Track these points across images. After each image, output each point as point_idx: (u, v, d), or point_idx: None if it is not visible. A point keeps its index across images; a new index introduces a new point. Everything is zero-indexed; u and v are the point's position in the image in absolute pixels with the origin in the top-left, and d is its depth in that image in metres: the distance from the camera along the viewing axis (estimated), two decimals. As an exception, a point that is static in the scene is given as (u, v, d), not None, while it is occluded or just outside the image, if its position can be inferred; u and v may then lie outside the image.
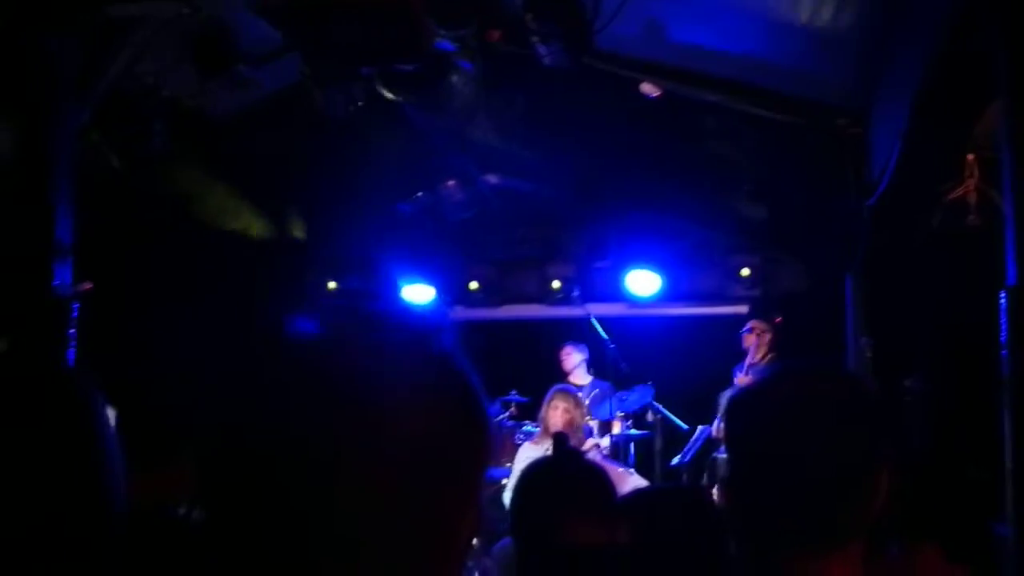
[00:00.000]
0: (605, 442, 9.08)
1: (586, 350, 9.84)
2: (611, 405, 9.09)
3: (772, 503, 1.73)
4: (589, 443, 8.60)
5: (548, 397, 8.35)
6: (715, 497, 8.28)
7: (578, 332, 9.98)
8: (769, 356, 9.35)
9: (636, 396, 9.21)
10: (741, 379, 9.25)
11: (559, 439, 2.94)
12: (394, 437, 0.93)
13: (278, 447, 0.93)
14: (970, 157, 6.31)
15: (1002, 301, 3.68)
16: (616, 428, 9.19)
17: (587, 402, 9.12)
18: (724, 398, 9.05)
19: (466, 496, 0.99)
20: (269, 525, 0.93)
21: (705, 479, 8.82)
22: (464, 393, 1.01)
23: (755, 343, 9.36)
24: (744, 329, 9.49)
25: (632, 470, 8.69)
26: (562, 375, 9.62)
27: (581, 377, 9.73)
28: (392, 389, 0.95)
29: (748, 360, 9.40)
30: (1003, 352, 3.68)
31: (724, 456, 8.62)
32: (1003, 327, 3.68)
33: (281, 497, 0.92)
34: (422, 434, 0.95)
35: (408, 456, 0.94)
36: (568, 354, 9.77)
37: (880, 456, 1.74)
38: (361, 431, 0.92)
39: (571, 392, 8.40)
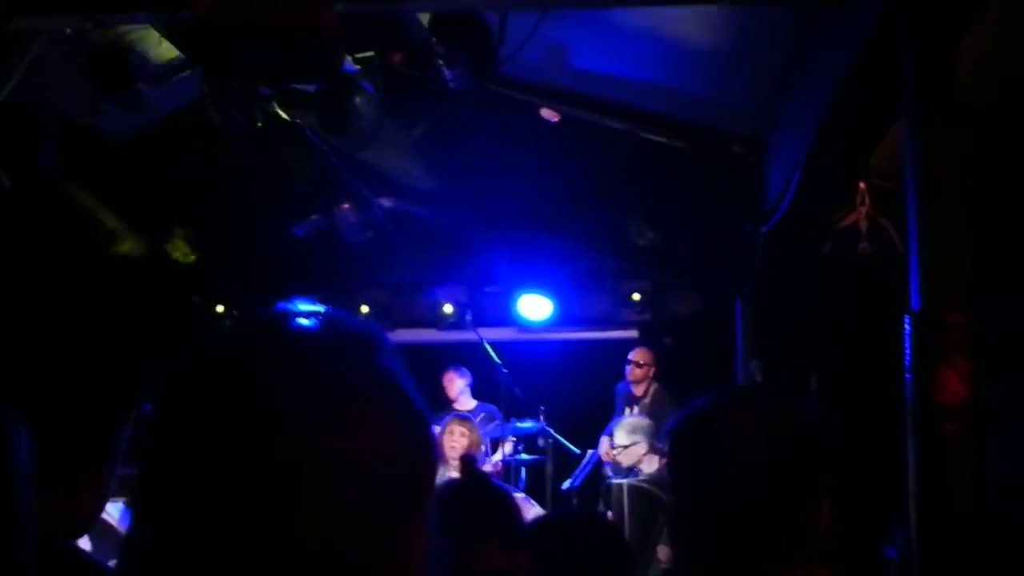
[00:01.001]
0: (496, 458, 9.08)
1: (468, 374, 9.83)
2: (502, 428, 9.10)
3: (717, 529, 1.73)
4: (487, 467, 8.58)
5: (444, 424, 8.31)
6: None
7: (468, 356, 9.97)
8: (653, 387, 9.48)
9: (530, 425, 9.23)
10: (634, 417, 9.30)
11: (467, 462, 2.91)
12: (353, 446, 0.91)
13: (232, 452, 0.89)
14: (861, 185, 6.47)
15: (906, 326, 3.75)
16: (507, 448, 9.19)
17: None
18: (616, 425, 9.13)
19: (420, 515, 0.97)
20: (225, 550, 0.89)
21: (601, 505, 8.85)
22: (412, 411, 0.98)
23: (639, 376, 9.49)
24: (627, 359, 9.58)
25: (523, 494, 8.71)
26: (446, 401, 9.59)
27: (466, 402, 9.71)
28: (344, 403, 0.92)
29: (636, 392, 9.50)
30: (907, 376, 3.75)
31: (617, 482, 8.69)
32: (907, 352, 3.75)
33: (240, 521, 0.88)
34: (378, 450, 0.93)
35: (367, 468, 0.91)
36: (451, 380, 9.74)
37: (824, 483, 1.76)
38: (321, 438, 0.90)
39: (467, 418, 8.38)
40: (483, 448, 8.81)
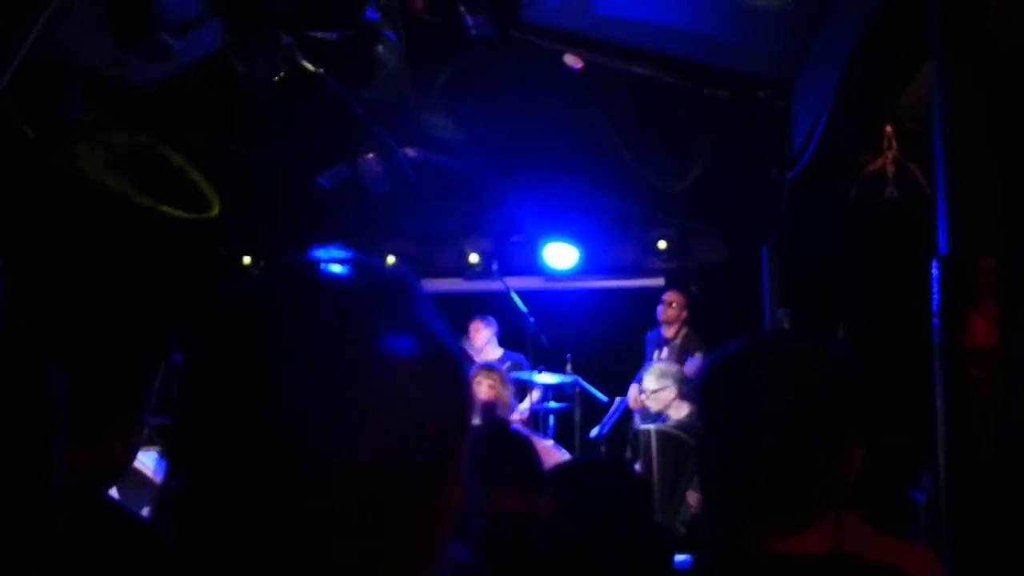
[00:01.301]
0: (524, 407, 9.11)
1: (495, 323, 9.84)
2: (529, 376, 9.12)
3: (750, 475, 1.71)
4: (515, 416, 8.61)
5: (472, 373, 8.32)
6: (637, 470, 8.42)
7: (496, 306, 9.98)
8: (684, 331, 9.48)
9: (558, 379, 9.23)
10: (664, 357, 9.32)
11: (487, 409, 2.91)
12: (390, 401, 0.91)
13: (268, 396, 0.89)
14: (888, 129, 6.40)
15: (934, 271, 3.72)
16: (535, 395, 9.21)
17: (502, 374, 9.13)
18: (645, 371, 9.14)
19: (455, 465, 0.97)
20: (261, 497, 0.88)
21: (629, 453, 8.87)
22: (447, 358, 0.99)
23: (671, 316, 9.49)
24: (661, 299, 9.60)
25: (551, 441, 8.74)
26: (473, 350, 9.60)
27: (492, 351, 9.73)
28: (381, 351, 0.92)
29: (665, 332, 9.51)
30: (935, 321, 3.72)
31: (645, 427, 8.71)
32: (935, 297, 3.72)
33: (276, 470, 0.88)
34: (415, 397, 0.92)
35: (406, 424, 0.91)
36: (477, 329, 9.76)
37: (855, 429, 1.74)
38: (357, 383, 0.90)
39: (495, 368, 8.37)
40: (510, 399, 8.83)
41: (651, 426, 8.64)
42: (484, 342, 9.73)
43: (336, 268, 0.98)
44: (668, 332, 9.55)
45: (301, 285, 0.96)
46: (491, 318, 9.83)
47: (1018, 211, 4.06)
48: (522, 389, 9.34)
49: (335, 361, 0.90)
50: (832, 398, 1.72)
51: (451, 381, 0.98)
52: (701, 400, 1.85)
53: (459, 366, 1.00)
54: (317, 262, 0.98)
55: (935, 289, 3.70)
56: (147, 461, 5.32)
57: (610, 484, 2.76)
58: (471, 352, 9.56)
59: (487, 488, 2.44)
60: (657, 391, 8.79)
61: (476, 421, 2.98)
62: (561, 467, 3.31)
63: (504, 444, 2.63)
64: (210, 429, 0.92)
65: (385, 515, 0.90)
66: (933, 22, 3.83)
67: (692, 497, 8.23)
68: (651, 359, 9.50)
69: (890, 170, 6.56)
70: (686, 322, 9.54)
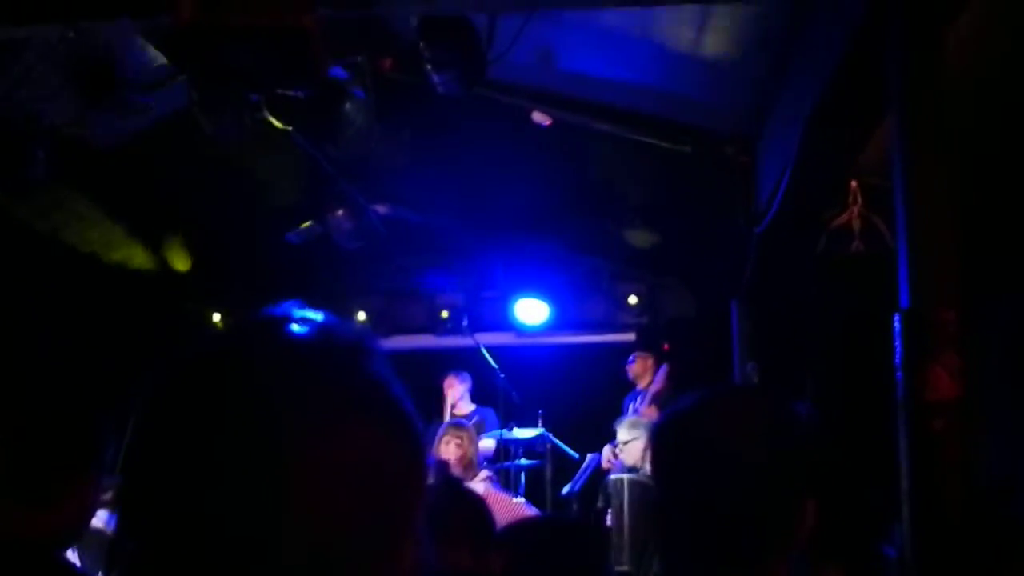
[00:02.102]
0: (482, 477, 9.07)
1: (469, 379, 9.79)
2: (500, 432, 9.08)
3: (698, 529, 1.71)
4: (482, 474, 8.55)
5: (440, 432, 8.27)
6: (610, 521, 8.39)
7: (466, 362, 9.95)
8: (656, 384, 9.48)
9: (530, 435, 9.21)
10: (646, 411, 9.32)
11: (440, 467, 2.90)
12: (341, 455, 0.89)
13: (217, 457, 0.88)
14: (853, 183, 6.46)
15: (896, 324, 3.74)
16: (503, 455, 9.16)
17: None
18: (619, 424, 9.12)
19: (409, 525, 0.96)
20: (208, 558, 0.87)
21: (600, 502, 8.83)
22: (403, 417, 0.97)
23: (637, 370, 9.51)
24: (628, 361, 9.61)
25: (522, 499, 8.69)
26: (446, 406, 9.55)
27: (464, 407, 9.68)
28: (335, 409, 0.91)
29: (642, 390, 9.50)
30: (898, 374, 3.74)
31: (617, 477, 8.68)
32: (897, 350, 3.74)
33: (221, 530, 0.87)
34: (368, 456, 0.91)
35: (355, 476, 0.90)
36: (451, 385, 9.71)
37: (808, 483, 1.74)
38: (309, 445, 0.88)
39: (464, 426, 8.31)
40: (484, 453, 8.77)
41: (624, 476, 8.62)
42: (457, 397, 9.69)
43: (293, 326, 0.97)
44: (641, 384, 9.56)
45: (258, 342, 0.96)
46: (466, 374, 9.79)
47: (978, 265, 4.11)
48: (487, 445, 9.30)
49: (284, 421, 0.88)
50: (782, 452, 1.73)
51: (405, 441, 0.96)
52: (653, 455, 1.85)
53: (413, 427, 0.98)
54: (275, 320, 0.98)
55: (897, 342, 3.72)
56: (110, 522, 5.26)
57: (563, 542, 2.75)
58: (445, 407, 9.53)
59: (438, 546, 2.43)
60: (628, 442, 8.77)
61: (430, 480, 2.96)
62: (513, 526, 3.30)
63: (456, 502, 2.62)
64: (154, 485, 0.91)
65: (333, 573, 0.89)
66: (891, 80, 3.88)
67: None
68: (626, 413, 9.49)
69: (856, 224, 6.61)
70: (656, 374, 9.54)
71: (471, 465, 7.83)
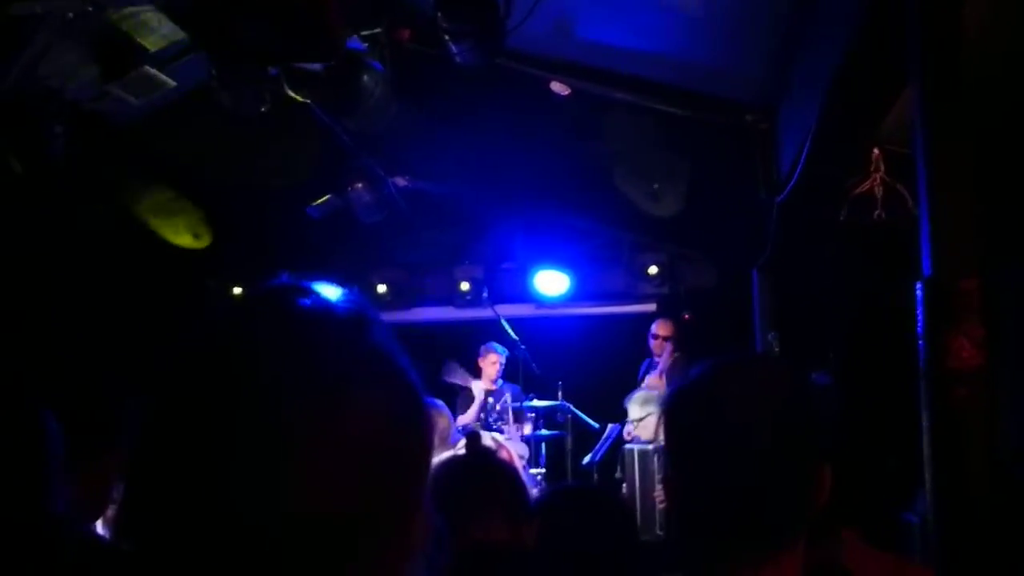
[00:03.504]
0: (519, 448, 9.08)
1: (505, 353, 9.75)
2: (522, 406, 9.11)
3: (718, 502, 1.70)
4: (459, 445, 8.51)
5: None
6: (624, 491, 8.43)
7: (486, 334, 9.96)
8: (675, 355, 9.47)
9: (549, 404, 9.23)
10: (652, 380, 9.34)
11: (472, 438, 2.91)
12: (344, 427, 0.90)
13: (222, 431, 0.89)
14: (875, 151, 6.41)
15: (918, 293, 3.72)
16: (527, 429, 9.20)
17: (498, 406, 9.11)
18: (629, 400, 9.14)
19: (415, 500, 0.96)
20: (215, 533, 0.87)
21: (618, 472, 8.87)
22: (408, 388, 0.97)
23: (662, 348, 9.49)
24: (650, 333, 9.59)
25: (543, 470, 8.77)
26: (478, 372, 9.54)
27: (494, 381, 9.67)
28: (338, 380, 0.91)
29: (659, 363, 9.50)
30: (920, 343, 3.73)
31: (633, 448, 8.72)
32: (919, 319, 3.72)
33: (224, 485, 0.87)
34: (371, 426, 0.92)
35: (359, 448, 0.90)
36: (493, 362, 9.63)
37: (823, 449, 1.74)
38: (312, 418, 0.88)
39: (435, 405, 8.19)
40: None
41: (635, 447, 8.68)
42: (497, 372, 9.62)
43: (296, 298, 0.97)
44: (661, 363, 9.56)
45: (261, 316, 0.96)
46: (502, 347, 9.73)
47: (1001, 233, 4.08)
48: (518, 417, 9.31)
49: (288, 392, 0.89)
50: (794, 419, 1.71)
51: (408, 413, 0.96)
52: (665, 427, 1.84)
53: (418, 397, 0.98)
54: (278, 292, 0.98)
55: (920, 311, 3.70)
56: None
57: (595, 513, 2.75)
58: (481, 378, 9.48)
59: (472, 517, 2.44)
60: (642, 419, 8.80)
61: (461, 450, 2.96)
62: (546, 496, 3.31)
63: (489, 472, 2.62)
64: (160, 459, 0.91)
65: (343, 552, 0.90)
66: (912, 47, 3.85)
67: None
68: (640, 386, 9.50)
69: (878, 192, 6.56)
70: (676, 348, 9.52)
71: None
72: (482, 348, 9.70)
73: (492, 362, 9.63)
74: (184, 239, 9.37)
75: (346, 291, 1.01)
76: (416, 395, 0.98)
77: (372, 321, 0.99)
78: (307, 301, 0.97)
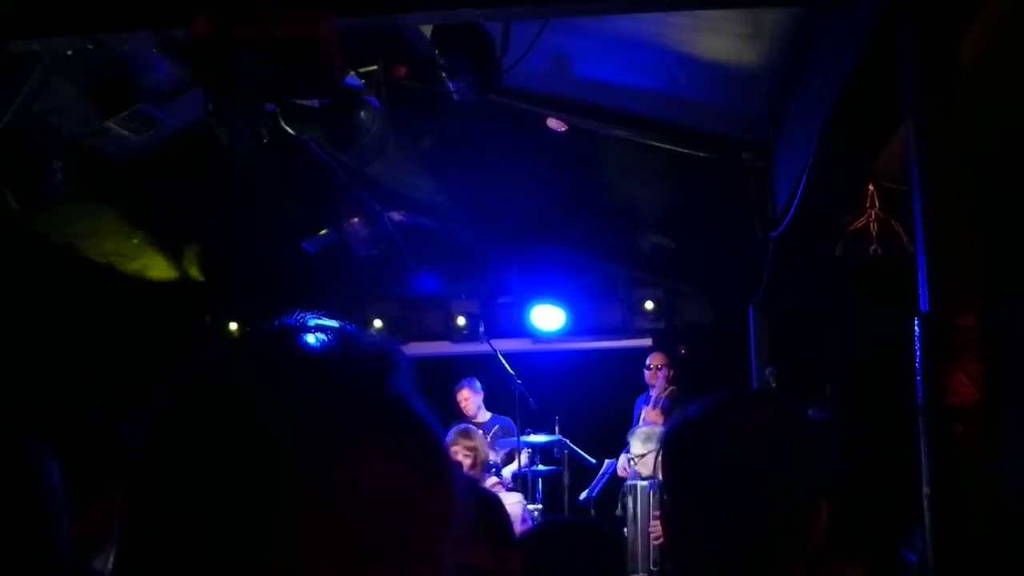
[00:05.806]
0: (508, 472, 9.07)
1: (481, 388, 9.74)
2: (517, 440, 9.07)
3: (714, 536, 1.71)
4: (490, 481, 8.52)
5: (449, 439, 8.20)
6: (626, 531, 8.40)
7: (482, 368, 9.95)
8: (669, 389, 9.46)
9: (545, 439, 9.20)
10: (648, 413, 9.34)
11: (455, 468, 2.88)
12: (360, 483, 0.84)
13: (216, 474, 0.83)
14: (871, 187, 6.44)
15: (916, 329, 3.73)
16: (522, 460, 9.14)
17: (488, 439, 9.07)
18: (632, 435, 9.11)
19: (432, 552, 0.90)
20: (197, 568, 0.83)
21: (619, 510, 8.83)
22: (430, 439, 0.90)
23: (656, 377, 9.49)
24: (645, 365, 9.59)
25: (540, 506, 8.73)
26: (461, 415, 9.52)
27: (482, 416, 9.65)
28: (356, 429, 0.85)
29: (653, 394, 9.50)
30: (918, 379, 3.73)
31: (633, 484, 8.68)
32: (917, 354, 3.73)
33: (215, 532, 0.83)
34: (380, 483, 0.85)
35: (362, 501, 0.84)
36: (466, 398, 9.64)
37: (820, 484, 1.74)
38: (313, 471, 0.83)
39: (471, 431, 8.23)
40: (492, 461, 8.74)
41: (638, 482, 8.64)
42: (475, 408, 9.63)
43: (309, 337, 0.91)
44: (654, 394, 9.54)
45: (272, 355, 0.90)
46: (477, 382, 9.74)
47: (997, 269, 4.09)
48: (510, 453, 9.29)
49: (300, 438, 0.84)
50: (791, 454, 1.73)
51: (427, 463, 0.90)
52: (664, 461, 1.84)
53: (441, 449, 0.92)
54: (287, 331, 0.92)
55: (917, 347, 3.71)
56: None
57: (583, 544, 2.75)
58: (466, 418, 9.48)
59: (459, 546, 2.43)
60: (644, 455, 8.77)
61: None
62: (534, 528, 3.30)
63: (476, 502, 2.62)
64: (158, 497, 0.87)
65: None
66: (908, 84, 3.87)
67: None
68: (638, 422, 9.47)
69: (874, 228, 6.58)
70: (671, 381, 9.52)
71: (479, 470, 7.78)
72: (457, 385, 9.69)
73: (464, 398, 9.61)
74: (171, 274, 9.38)
75: (371, 333, 0.95)
76: (439, 447, 0.92)
77: (395, 363, 0.92)
78: (322, 339, 0.91)
